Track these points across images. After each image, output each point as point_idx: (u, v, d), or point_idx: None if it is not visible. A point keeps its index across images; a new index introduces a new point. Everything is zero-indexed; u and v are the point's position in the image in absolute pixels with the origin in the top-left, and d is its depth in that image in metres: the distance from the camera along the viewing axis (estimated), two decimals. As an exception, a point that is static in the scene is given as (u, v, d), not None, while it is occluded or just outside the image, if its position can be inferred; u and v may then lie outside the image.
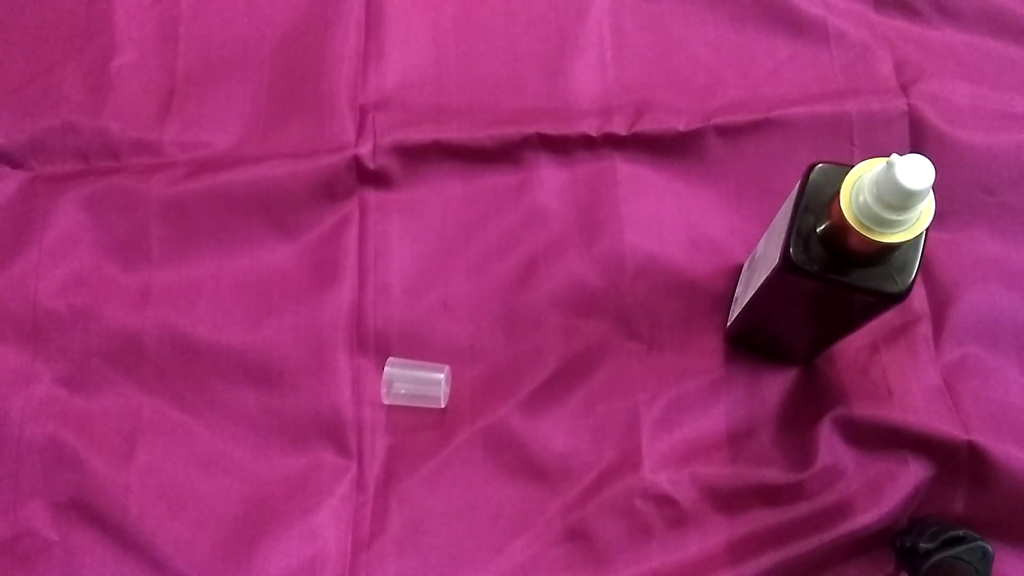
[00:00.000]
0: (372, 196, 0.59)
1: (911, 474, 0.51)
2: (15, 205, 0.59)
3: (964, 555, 0.47)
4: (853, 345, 0.54)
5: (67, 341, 0.56)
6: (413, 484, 0.54)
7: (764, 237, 0.49)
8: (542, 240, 0.58)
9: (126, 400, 0.55)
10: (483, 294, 0.57)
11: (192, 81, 0.62)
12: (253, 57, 0.63)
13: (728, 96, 0.60)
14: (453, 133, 0.59)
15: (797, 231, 0.41)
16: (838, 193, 0.38)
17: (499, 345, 0.56)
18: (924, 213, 0.37)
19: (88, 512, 0.53)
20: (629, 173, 0.59)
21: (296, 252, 0.58)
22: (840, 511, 0.51)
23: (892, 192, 0.35)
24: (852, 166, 0.39)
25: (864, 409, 0.52)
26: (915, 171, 0.34)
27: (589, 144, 0.59)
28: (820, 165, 0.42)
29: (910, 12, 0.62)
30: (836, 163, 0.41)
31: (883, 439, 0.52)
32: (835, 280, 0.40)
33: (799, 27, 0.62)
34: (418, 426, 0.55)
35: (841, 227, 0.38)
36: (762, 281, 0.45)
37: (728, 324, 0.55)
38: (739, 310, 0.52)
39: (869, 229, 0.36)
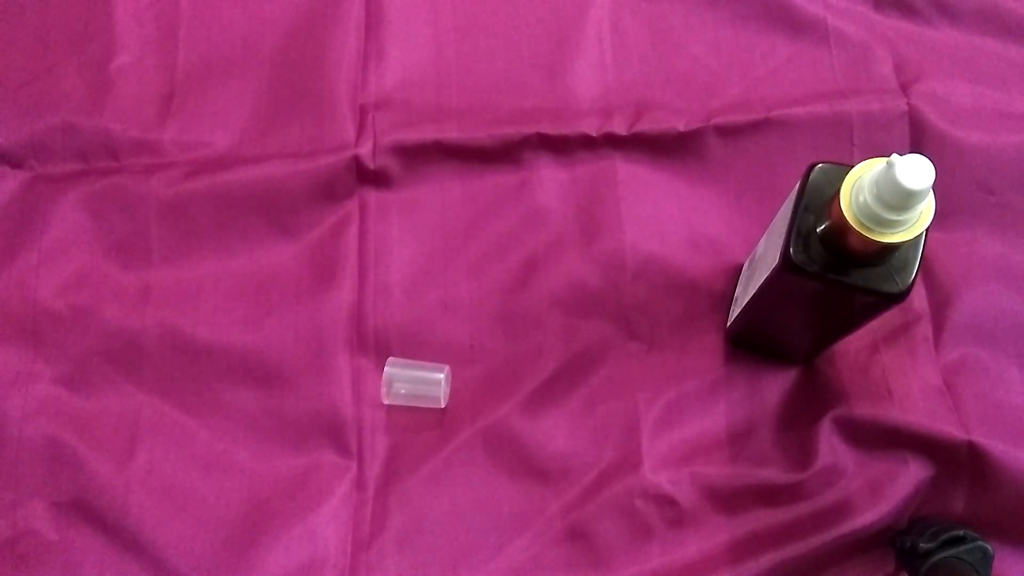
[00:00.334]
0: (372, 196, 0.59)
1: (911, 474, 0.51)
2: (15, 205, 0.59)
3: (964, 555, 0.47)
4: (853, 345, 0.54)
5: (67, 341, 0.56)
6: (413, 484, 0.54)
7: (764, 237, 0.49)
8: (542, 240, 0.58)
9: (126, 400, 0.55)
10: (483, 294, 0.57)
11: (192, 81, 0.62)
12: (253, 57, 0.63)
13: (728, 96, 0.60)
14: (453, 133, 0.59)
15: (797, 231, 0.41)
16: (838, 193, 0.38)
17: (499, 345, 0.56)
18: (924, 213, 0.37)
19: (88, 512, 0.53)
20: (629, 173, 0.59)
21: (296, 252, 0.58)
22: (840, 511, 0.51)
23: (892, 192, 0.35)
24: (852, 166, 0.39)
25: (864, 409, 0.52)
26: (915, 171, 0.34)
27: (589, 144, 0.59)
28: (820, 165, 0.42)
29: (910, 12, 0.62)
30: (836, 163, 0.41)
31: (883, 439, 0.52)
32: (835, 280, 0.40)
33: (799, 27, 0.62)
34: (418, 426, 0.55)
35: (841, 227, 0.38)
36: (762, 281, 0.45)
37: (728, 324, 0.55)
38: (739, 310, 0.52)
39: (869, 229, 0.36)
